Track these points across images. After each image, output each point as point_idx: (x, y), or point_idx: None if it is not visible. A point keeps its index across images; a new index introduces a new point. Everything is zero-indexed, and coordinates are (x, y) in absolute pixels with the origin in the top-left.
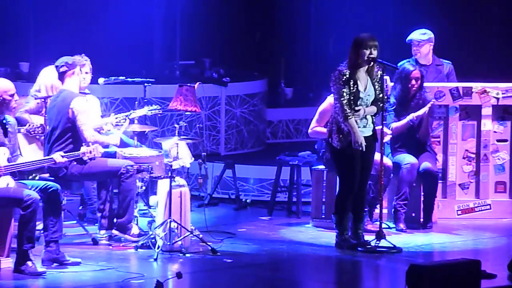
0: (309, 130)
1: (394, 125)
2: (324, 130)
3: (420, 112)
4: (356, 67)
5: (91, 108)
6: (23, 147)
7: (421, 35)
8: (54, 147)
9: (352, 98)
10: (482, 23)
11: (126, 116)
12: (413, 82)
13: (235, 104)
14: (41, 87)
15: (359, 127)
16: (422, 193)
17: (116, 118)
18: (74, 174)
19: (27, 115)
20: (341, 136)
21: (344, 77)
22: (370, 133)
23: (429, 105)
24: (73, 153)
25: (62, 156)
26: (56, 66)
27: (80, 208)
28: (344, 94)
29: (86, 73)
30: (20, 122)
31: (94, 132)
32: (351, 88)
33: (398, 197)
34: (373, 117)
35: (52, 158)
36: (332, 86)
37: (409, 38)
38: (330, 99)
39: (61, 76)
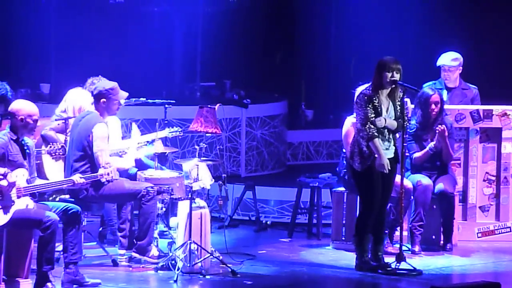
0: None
1: (416, 155)
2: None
3: (435, 140)
4: (379, 89)
5: (111, 131)
6: (49, 165)
7: (452, 61)
8: (74, 169)
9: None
10: (504, 45)
11: (148, 142)
12: (433, 106)
13: (255, 126)
14: (68, 107)
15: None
16: (441, 216)
17: (138, 143)
18: (94, 196)
19: (53, 133)
20: (362, 158)
21: (368, 99)
22: (392, 155)
23: (438, 134)
24: (91, 174)
25: (81, 178)
26: (94, 89)
27: (101, 229)
28: (369, 115)
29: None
30: (46, 140)
31: (109, 159)
32: (374, 109)
33: (413, 218)
34: (395, 139)
35: (71, 179)
36: (356, 109)
37: (440, 63)
38: (350, 119)
39: (95, 99)
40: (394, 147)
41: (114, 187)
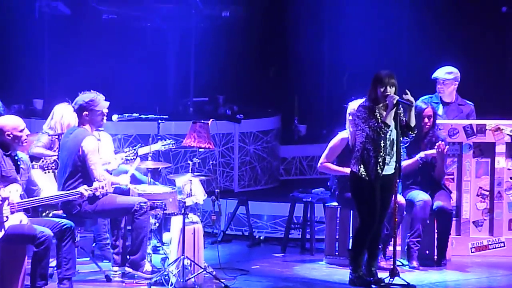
0: (319, 165)
1: (404, 163)
2: (334, 166)
3: (429, 152)
4: (376, 103)
5: (103, 145)
6: (38, 178)
7: (447, 74)
8: (67, 185)
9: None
10: (496, 59)
11: (135, 150)
12: (426, 120)
13: (248, 141)
14: (56, 125)
15: (384, 159)
16: (436, 231)
17: (126, 152)
18: (87, 211)
19: (42, 150)
20: (366, 167)
21: (369, 110)
22: (392, 171)
23: (436, 148)
24: (91, 187)
25: (86, 190)
26: (74, 104)
27: (94, 245)
28: (373, 121)
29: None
30: (35, 158)
31: (104, 172)
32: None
33: (411, 234)
34: (399, 154)
35: (79, 191)
36: (357, 120)
37: (435, 75)
38: (342, 134)
39: (78, 114)
40: (395, 163)
41: (107, 202)
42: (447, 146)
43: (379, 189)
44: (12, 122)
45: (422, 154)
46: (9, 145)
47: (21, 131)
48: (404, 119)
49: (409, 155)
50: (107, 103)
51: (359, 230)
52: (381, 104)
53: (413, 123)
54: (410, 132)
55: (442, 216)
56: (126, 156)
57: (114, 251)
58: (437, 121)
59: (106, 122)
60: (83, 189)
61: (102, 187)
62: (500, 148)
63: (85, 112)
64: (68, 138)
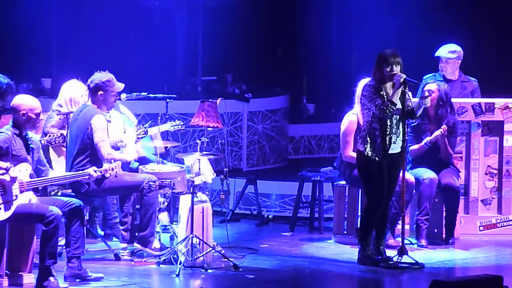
0: (345, 155)
1: (413, 148)
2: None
3: (433, 136)
4: (381, 82)
5: (113, 124)
6: (53, 160)
7: (450, 53)
8: (75, 163)
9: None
10: (506, 37)
11: (145, 128)
12: (426, 94)
13: (257, 120)
14: (66, 102)
15: (391, 138)
16: (444, 209)
17: (137, 131)
18: (96, 189)
19: (55, 130)
20: (372, 146)
21: (375, 89)
22: (399, 150)
23: (439, 131)
24: (100, 169)
25: (95, 171)
26: (91, 82)
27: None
28: (379, 100)
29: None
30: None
31: (111, 149)
32: (382, 98)
33: (419, 212)
34: (405, 133)
35: (88, 172)
36: (363, 99)
37: (437, 53)
38: (348, 117)
39: (92, 92)
40: (401, 142)
41: (116, 180)
42: (445, 127)
43: (386, 168)
44: (30, 102)
45: (428, 139)
46: (22, 125)
47: (36, 114)
48: (410, 106)
49: (418, 134)
50: (123, 85)
51: (367, 209)
52: (387, 83)
53: (418, 113)
54: (409, 118)
55: (449, 193)
56: (137, 134)
57: (123, 227)
58: None
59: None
60: (92, 170)
61: (112, 169)
62: (509, 127)
63: (100, 92)
64: (78, 116)
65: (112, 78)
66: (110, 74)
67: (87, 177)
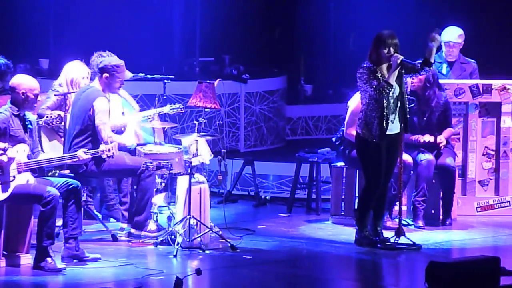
0: (347, 132)
1: (415, 137)
2: None
3: (426, 138)
4: (378, 64)
5: (113, 107)
6: (44, 143)
7: (459, 38)
8: (74, 143)
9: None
10: (504, 19)
11: (148, 117)
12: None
13: (254, 101)
14: (68, 82)
15: (388, 119)
16: (441, 190)
17: (142, 117)
18: (93, 171)
19: (49, 112)
20: (370, 127)
21: (370, 71)
22: (397, 130)
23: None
24: (94, 150)
25: (85, 153)
26: (100, 62)
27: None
28: (375, 81)
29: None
30: (41, 117)
31: (111, 132)
32: (378, 79)
33: (416, 193)
34: (406, 113)
35: (76, 155)
36: (359, 81)
37: (446, 39)
38: (358, 97)
39: (98, 72)
40: (399, 124)
41: (114, 162)
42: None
43: (385, 149)
44: (29, 82)
45: (424, 138)
46: (20, 104)
47: (35, 95)
48: (418, 61)
49: (415, 115)
50: (131, 74)
51: (365, 190)
52: (383, 65)
53: (431, 59)
54: (426, 67)
55: (445, 173)
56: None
57: (123, 207)
58: (442, 81)
59: None
60: (81, 152)
61: (109, 150)
62: (506, 108)
63: (106, 74)
64: (80, 96)
65: (122, 64)
66: (121, 60)
67: (76, 159)
